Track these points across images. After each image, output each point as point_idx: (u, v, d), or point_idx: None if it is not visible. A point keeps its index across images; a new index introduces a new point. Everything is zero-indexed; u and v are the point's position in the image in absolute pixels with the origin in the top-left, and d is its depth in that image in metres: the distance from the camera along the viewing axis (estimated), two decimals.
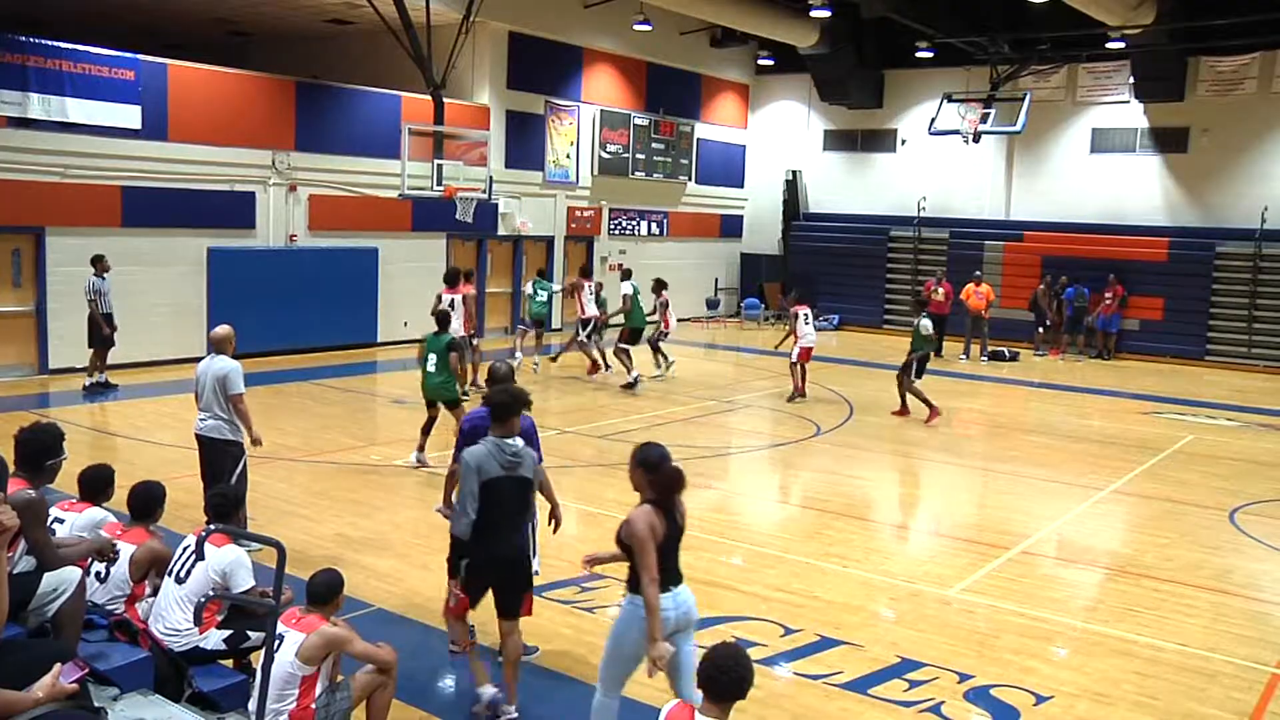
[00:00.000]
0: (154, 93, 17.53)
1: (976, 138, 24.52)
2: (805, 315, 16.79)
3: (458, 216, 18.90)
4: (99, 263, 15.30)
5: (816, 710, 6.27)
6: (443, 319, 12.38)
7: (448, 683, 6.66)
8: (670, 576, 5.11)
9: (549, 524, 6.72)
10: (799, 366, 16.72)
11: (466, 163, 19.15)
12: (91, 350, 15.43)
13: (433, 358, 11.57)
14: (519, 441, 5.96)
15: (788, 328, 17.49)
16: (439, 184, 18.18)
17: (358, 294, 20.88)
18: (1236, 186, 25.37)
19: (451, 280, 16.04)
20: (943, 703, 6.39)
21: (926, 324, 15.56)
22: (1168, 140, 26.18)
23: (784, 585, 8.35)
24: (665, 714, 4.09)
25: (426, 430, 11.72)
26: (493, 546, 5.82)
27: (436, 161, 18.23)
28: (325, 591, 5.26)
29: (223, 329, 8.65)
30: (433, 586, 7.85)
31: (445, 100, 18.98)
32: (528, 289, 19.71)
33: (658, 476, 5.16)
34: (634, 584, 5.07)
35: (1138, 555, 9.78)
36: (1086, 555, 9.89)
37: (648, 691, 6.28)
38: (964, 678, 6.73)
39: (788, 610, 7.78)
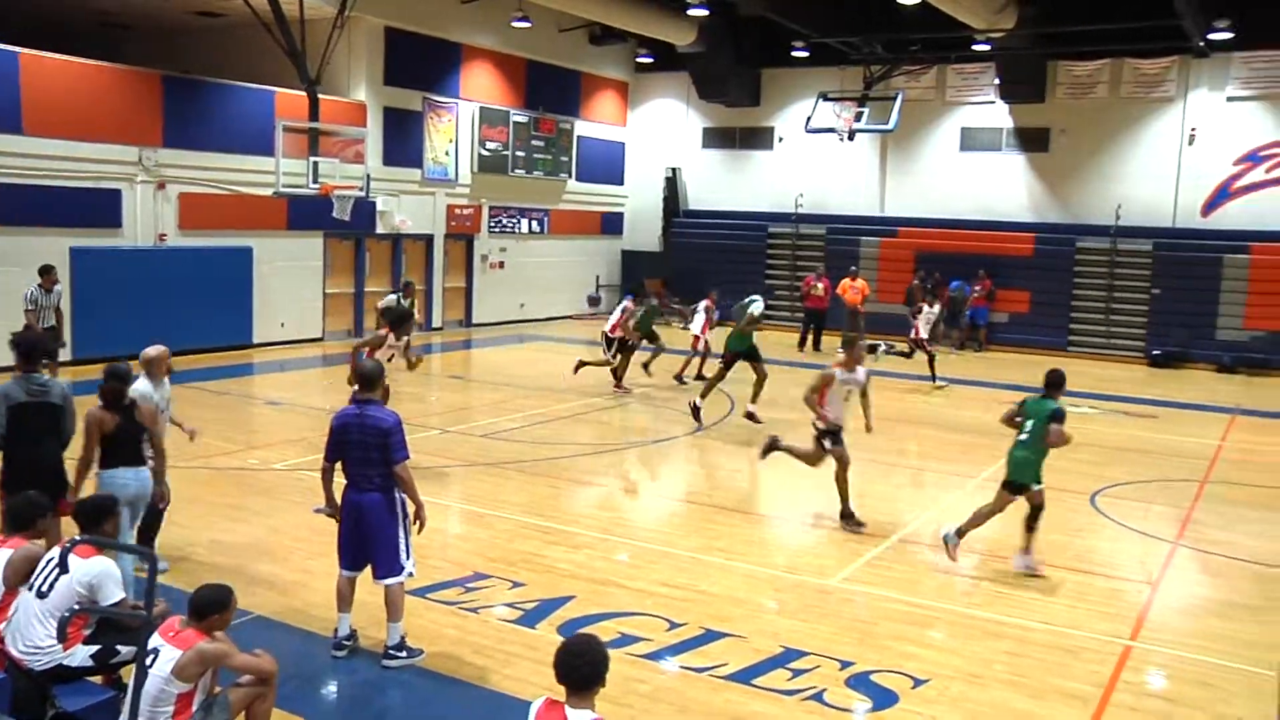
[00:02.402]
0: (4, 83, 16.76)
1: (851, 136, 25.06)
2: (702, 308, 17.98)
3: (335, 215, 18.56)
4: (47, 274, 14.52)
5: (702, 702, 6.35)
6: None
7: (330, 688, 6.55)
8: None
9: (414, 524, 6.67)
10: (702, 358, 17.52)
11: (343, 160, 18.81)
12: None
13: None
14: None
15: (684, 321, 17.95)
16: (315, 182, 17.82)
17: (232, 294, 20.31)
18: (1093, 185, 26.51)
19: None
20: (825, 690, 6.53)
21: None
22: (1031, 140, 27.20)
23: (669, 580, 8.43)
24: (535, 711, 4.10)
25: None
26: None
27: (312, 159, 17.85)
28: (206, 607, 5.01)
29: (153, 350, 8.29)
30: (313, 590, 7.71)
31: (321, 96, 18.57)
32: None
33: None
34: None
35: (1007, 540, 10.12)
36: (961, 542, 10.20)
37: (520, 687, 6.30)
38: (845, 665, 6.89)
39: (673, 605, 7.86)
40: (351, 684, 6.52)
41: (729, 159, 30.92)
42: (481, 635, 7.20)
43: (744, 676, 6.69)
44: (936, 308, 20.17)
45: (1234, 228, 25.00)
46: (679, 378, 18.08)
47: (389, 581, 6.63)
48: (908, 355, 20.06)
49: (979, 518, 9.06)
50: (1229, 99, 25.15)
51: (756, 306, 15.46)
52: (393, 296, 15.59)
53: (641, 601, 7.92)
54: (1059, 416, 8.78)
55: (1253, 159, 25.09)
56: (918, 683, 6.68)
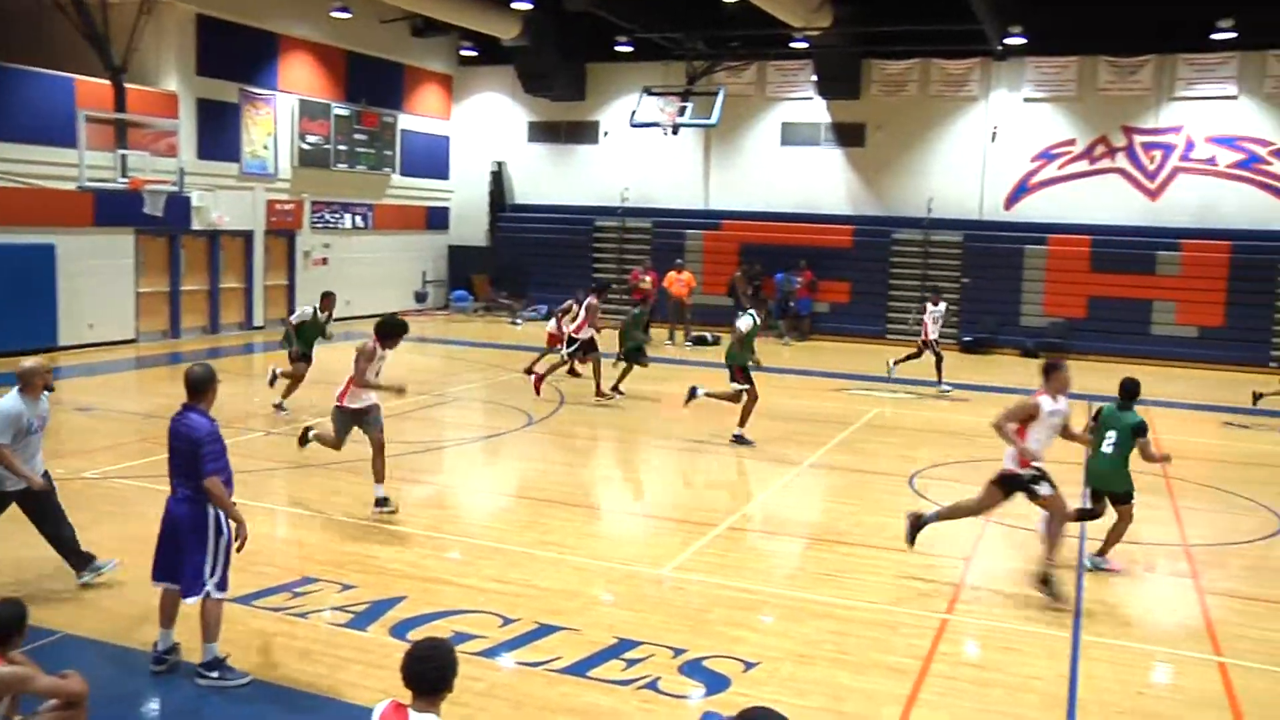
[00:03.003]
0: None
1: (675, 130, 25.42)
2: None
3: (146, 210, 17.77)
4: None
5: (537, 697, 6.37)
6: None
7: (150, 707, 6.27)
8: None
9: (236, 542, 6.41)
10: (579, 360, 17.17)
11: (154, 153, 18.05)
12: None
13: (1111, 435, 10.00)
14: None
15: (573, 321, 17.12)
16: (124, 176, 17.00)
17: (32, 294, 19.11)
18: (907, 179, 27.66)
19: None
20: (659, 678, 6.64)
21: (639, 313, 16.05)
22: (848, 135, 28.16)
23: (501, 576, 8.41)
24: (378, 714, 4.05)
25: None
26: None
27: (120, 151, 17.04)
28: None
29: (29, 362, 7.54)
30: (130, 604, 7.37)
31: (128, 86, 17.74)
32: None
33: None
34: None
35: (831, 523, 10.53)
36: (787, 526, 10.54)
37: (354, 691, 6.20)
38: (678, 652, 7.02)
39: (506, 600, 7.84)
40: (174, 701, 6.27)
41: (555, 153, 30.94)
42: (310, 640, 7.04)
43: (579, 669, 6.74)
44: (942, 306, 19.30)
45: (1033, 220, 26.51)
46: (530, 370, 17.50)
47: (188, 600, 6.36)
48: (916, 356, 18.94)
49: (1114, 536, 9.01)
50: (1026, 100, 26.64)
51: (744, 322, 14.17)
52: (307, 309, 14.87)
53: (474, 598, 7.88)
54: (1142, 431, 8.75)
55: (1047, 156, 26.67)
56: (748, 666, 6.86)
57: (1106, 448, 8.88)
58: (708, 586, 8.41)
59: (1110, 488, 8.97)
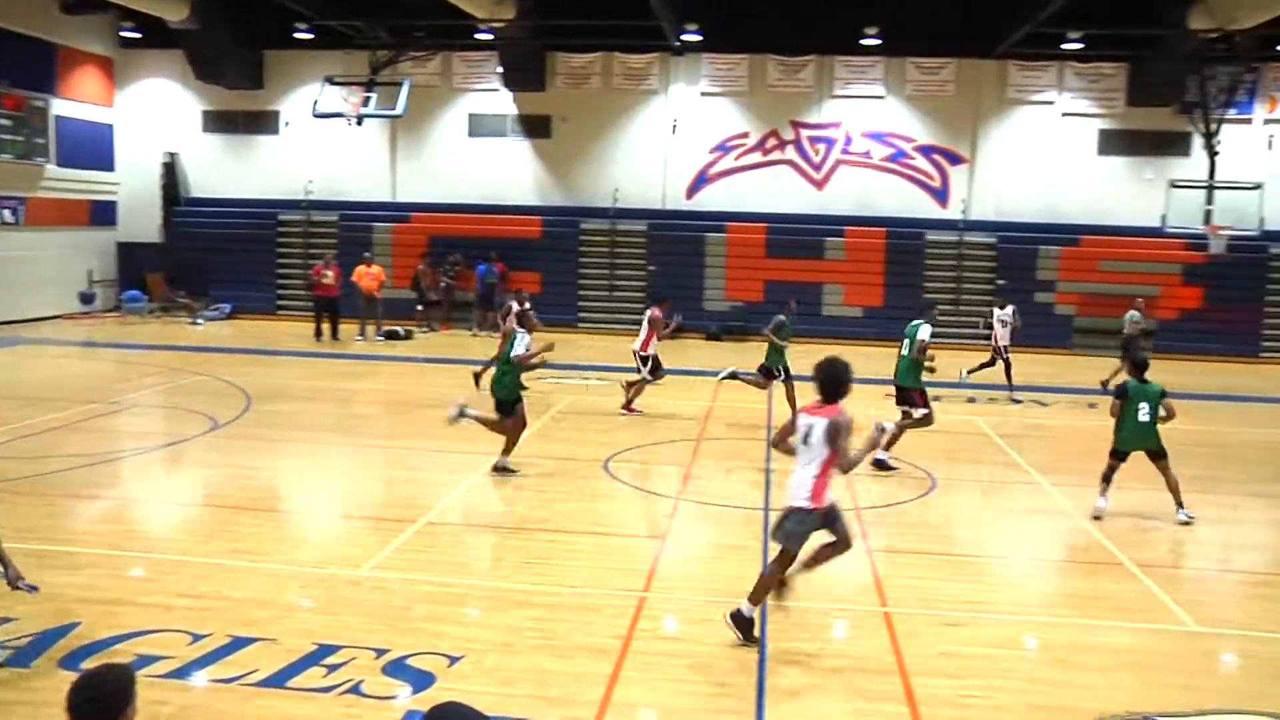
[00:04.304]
0: None
1: (360, 121, 24.81)
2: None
3: None
4: None
5: (234, 713, 6.10)
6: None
7: None
8: None
9: None
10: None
11: None
12: None
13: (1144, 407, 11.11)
14: None
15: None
16: None
17: None
18: (593, 170, 28.33)
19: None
20: (362, 681, 6.51)
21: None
22: (534, 127, 28.49)
23: (189, 590, 7.96)
24: None
25: None
26: None
27: None
28: None
29: None
30: None
31: None
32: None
33: None
34: None
35: (531, 511, 10.66)
36: (486, 518, 10.58)
37: None
38: (380, 653, 6.90)
39: (195, 616, 7.43)
40: None
41: (233, 144, 29.45)
42: None
43: (277, 680, 6.50)
44: (1009, 310, 18.93)
45: (712, 209, 27.86)
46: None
47: None
48: (989, 365, 18.52)
49: (1175, 486, 10.72)
50: (703, 94, 27.93)
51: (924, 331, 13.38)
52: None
53: (159, 617, 7.41)
54: (1165, 394, 10.67)
55: (723, 148, 28.10)
56: (453, 660, 6.85)
57: (1143, 416, 10.66)
58: (408, 584, 8.31)
59: (1150, 446, 10.72)
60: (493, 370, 12.12)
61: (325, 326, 23.59)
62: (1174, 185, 24.56)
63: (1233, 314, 25.66)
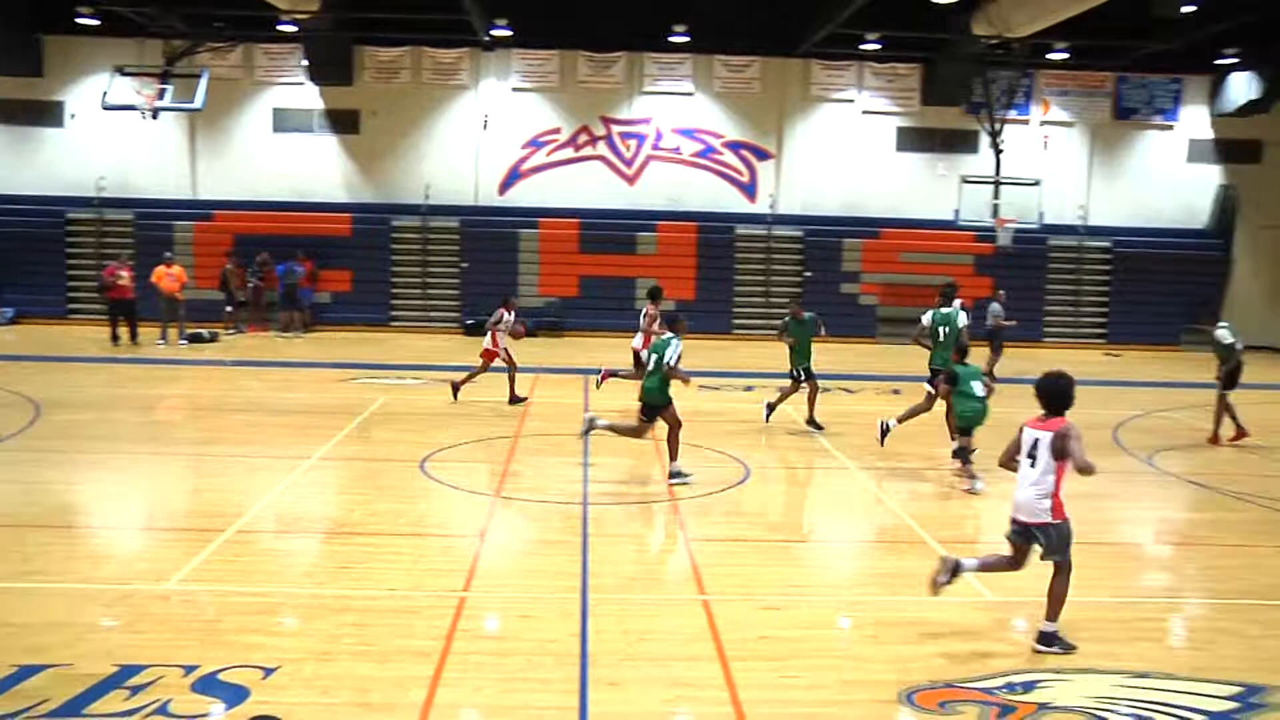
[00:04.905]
0: None
1: (155, 114, 23.64)
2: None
3: None
4: None
5: None
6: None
7: None
8: None
9: None
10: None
11: None
12: None
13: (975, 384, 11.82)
14: None
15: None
16: None
17: None
18: (404, 166, 27.89)
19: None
20: (170, 700, 6.23)
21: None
22: (342, 122, 27.82)
23: None
24: None
25: None
26: None
27: None
28: None
29: None
30: None
31: None
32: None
33: None
34: None
35: (346, 515, 10.43)
36: (300, 524, 10.27)
37: None
38: (190, 669, 6.62)
39: None
40: None
41: (11, 136, 27.68)
42: None
43: (72, 709, 6.14)
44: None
45: (525, 205, 27.82)
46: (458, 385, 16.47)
47: None
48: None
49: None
50: (514, 89, 27.85)
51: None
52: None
53: None
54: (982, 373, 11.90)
55: (536, 144, 28.10)
56: (268, 672, 6.64)
57: (979, 392, 11.59)
58: (219, 595, 8.00)
59: (982, 421, 11.70)
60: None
61: (123, 330, 22.38)
62: (965, 181, 25.91)
63: (1018, 302, 27.27)
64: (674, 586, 8.51)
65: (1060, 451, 7.07)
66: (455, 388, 16.34)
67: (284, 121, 27.77)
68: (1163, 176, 29.29)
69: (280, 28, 24.98)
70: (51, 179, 27.42)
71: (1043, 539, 7.24)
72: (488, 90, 27.78)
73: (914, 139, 28.75)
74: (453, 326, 26.76)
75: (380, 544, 9.38)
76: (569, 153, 28.16)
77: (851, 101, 28.55)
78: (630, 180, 28.32)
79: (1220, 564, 9.45)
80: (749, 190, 28.56)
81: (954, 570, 7.41)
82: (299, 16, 23.88)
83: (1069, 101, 28.92)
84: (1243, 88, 28.04)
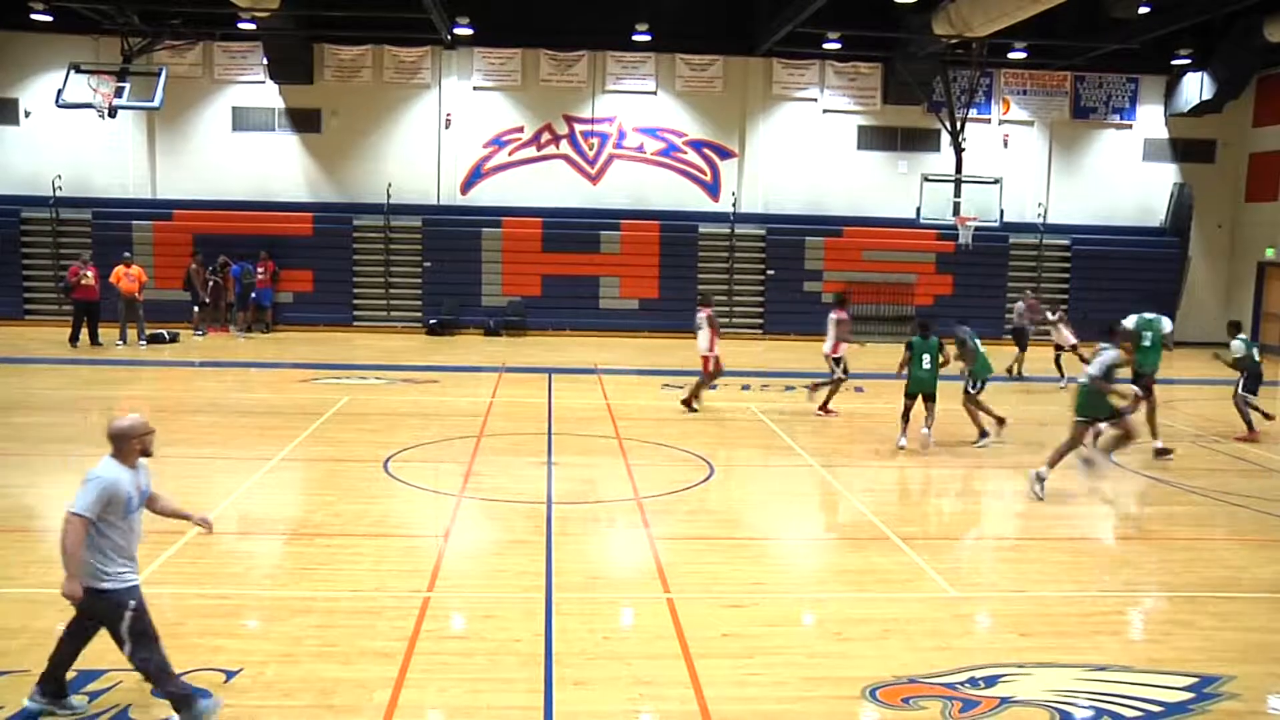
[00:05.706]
0: None
1: (113, 113, 23.26)
2: None
3: None
4: None
5: None
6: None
7: None
8: None
9: None
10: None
11: None
12: None
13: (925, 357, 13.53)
14: None
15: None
16: None
17: None
18: (365, 165, 27.71)
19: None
20: (129, 706, 6.21)
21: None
22: (303, 121, 27.59)
23: None
24: None
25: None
26: None
27: None
28: None
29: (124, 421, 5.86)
30: None
31: None
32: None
33: None
34: None
35: (309, 516, 10.37)
36: (262, 525, 10.21)
37: None
38: None
39: None
40: None
41: None
42: None
43: (29, 715, 6.10)
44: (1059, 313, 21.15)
45: (488, 204, 27.73)
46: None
47: None
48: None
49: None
50: (475, 88, 27.74)
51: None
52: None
53: None
54: (942, 346, 13.72)
55: (498, 143, 28.01)
56: (230, 675, 6.61)
57: (925, 365, 13.44)
58: (180, 598, 7.94)
59: (927, 390, 13.55)
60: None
61: (84, 331, 22.09)
62: (926, 179, 26.07)
63: (980, 299, 27.52)
64: (638, 585, 8.54)
65: None
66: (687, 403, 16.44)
67: (244, 120, 27.50)
68: (1120, 175, 29.64)
69: (240, 26, 24.74)
70: (6, 178, 26.98)
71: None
72: (450, 89, 27.65)
73: (875, 138, 28.92)
74: (415, 326, 26.64)
75: (343, 545, 9.35)
76: (531, 152, 28.09)
77: (813, 100, 28.67)
78: (593, 179, 28.30)
79: (1174, 557, 9.61)
80: (712, 189, 28.63)
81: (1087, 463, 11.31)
82: (258, 14, 23.65)
83: (1028, 100, 29.21)
84: (1196, 88, 28.46)
